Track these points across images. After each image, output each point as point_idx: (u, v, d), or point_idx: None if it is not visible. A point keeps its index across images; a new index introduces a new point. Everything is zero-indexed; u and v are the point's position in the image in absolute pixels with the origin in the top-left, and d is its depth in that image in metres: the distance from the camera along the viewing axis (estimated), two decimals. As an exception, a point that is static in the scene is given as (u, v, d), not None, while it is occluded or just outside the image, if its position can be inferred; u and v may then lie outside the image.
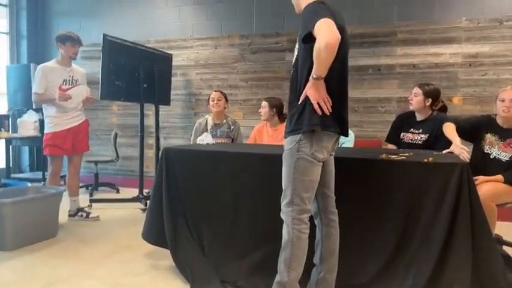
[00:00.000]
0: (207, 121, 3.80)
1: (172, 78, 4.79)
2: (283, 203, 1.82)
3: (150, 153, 5.04)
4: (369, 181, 2.14)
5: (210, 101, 3.78)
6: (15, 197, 2.93)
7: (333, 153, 1.95)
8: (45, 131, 3.51)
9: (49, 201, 3.12)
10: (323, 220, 1.96)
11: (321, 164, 1.82)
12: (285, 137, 1.84)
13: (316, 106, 1.71)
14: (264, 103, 3.65)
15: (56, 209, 3.19)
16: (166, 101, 4.66)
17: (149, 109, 4.69)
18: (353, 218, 2.09)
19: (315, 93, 1.70)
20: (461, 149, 2.31)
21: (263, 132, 3.73)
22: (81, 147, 3.65)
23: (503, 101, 2.67)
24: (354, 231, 2.10)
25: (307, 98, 1.74)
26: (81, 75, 3.65)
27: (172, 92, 4.77)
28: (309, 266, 1.93)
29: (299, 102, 1.77)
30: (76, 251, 2.85)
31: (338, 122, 1.82)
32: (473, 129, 2.79)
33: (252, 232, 2.32)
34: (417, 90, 3.01)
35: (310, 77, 1.69)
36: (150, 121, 4.81)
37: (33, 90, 3.42)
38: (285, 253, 1.78)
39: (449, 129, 2.66)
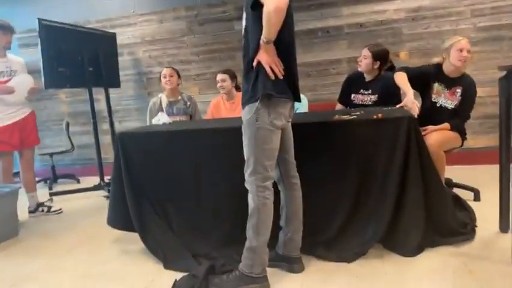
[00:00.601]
0: (161, 100, 3.70)
1: (119, 58, 4.59)
2: (246, 173, 1.85)
3: (107, 139, 4.89)
4: (325, 143, 2.21)
5: (162, 78, 3.67)
6: (-35, 200, 2.79)
7: (290, 120, 1.98)
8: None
9: (4, 200, 2.98)
10: (286, 185, 2.03)
11: (280, 131, 1.85)
12: (243, 107, 1.86)
13: (268, 70, 1.74)
14: (224, 76, 3.55)
15: (14, 208, 3.06)
16: (116, 83, 4.49)
17: (99, 93, 4.51)
18: (314, 179, 2.17)
19: (266, 57, 1.74)
20: (412, 104, 2.36)
21: (220, 106, 3.70)
22: (30, 140, 3.47)
23: (461, 50, 2.70)
24: (316, 191, 2.17)
25: (259, 66, 1.76)
26: (20, 65, 3.42)
27: (121, 73, 4.60)
28: (276, 229, 2.01)
29: (252, 68, 1.78)
30: (40, 247, 2.78)
31: (290, 88, 1.85)
32: (422, 77, 2.84)
33: (218, 205, 2.35)
34: (366, 53, 3.06)
35: (261, 41, 1.72)
36: (102, 106, 4.63)
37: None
38: (252, 220, 1.84)
39: (401, 79, 2.70)
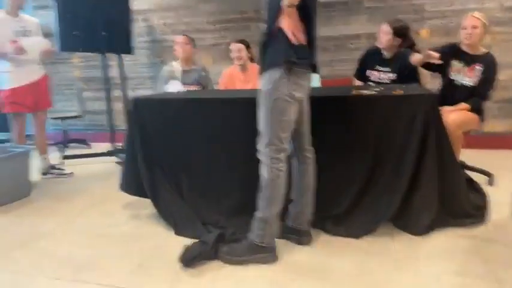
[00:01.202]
0: (174, 68, 3.66)
1: (134, 25, 4.52)
2: (261, 144, 1.83)
3: (118, 106, 4.89)
4: (342, 117, 2.17)
5: (176, 46, 3.62)
6: (-20, 158, 2.82)
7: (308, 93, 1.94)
8: (2, 88, 3.29)
9: (18, 161, 3.02)
10: (299, 158, 2.01)
11: (297, 103, 1.82)
12: (261, 75, 1.81)
13: (290, 35, 1.68)
14: (240, 45, 3.47)
15: (26, 168, 3.10)
16: (129, 50, 4.43)
17: (113, 60, 4.47)
18: (328, 153, 2.14)
19: (288, 21, 1.67)
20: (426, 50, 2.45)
21: (234, 77, 3.65)
22: (43, 103, 3.48)
23: (465, 28, 2.73)
24: (329, 166, 2.15)
25: (280, 32, 1.69)
26: (35, 26, 3.39)
27: (135, 40, 4.54)
28: (287, 201, 2.00)
29: (272, 35, 1.73)
30: (52, 208, 2.82)
31: (311, 56, 1.81)
32: (441, 55, 2.78)
33: (229, 175, 2.34)
34: (387, 28, 2.95)
35: (283, 4, 1.64)
36: (115, 73, 4.60)
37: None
38: (265, 191, 1.84)
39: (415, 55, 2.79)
